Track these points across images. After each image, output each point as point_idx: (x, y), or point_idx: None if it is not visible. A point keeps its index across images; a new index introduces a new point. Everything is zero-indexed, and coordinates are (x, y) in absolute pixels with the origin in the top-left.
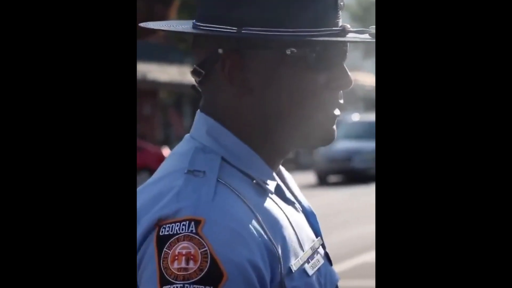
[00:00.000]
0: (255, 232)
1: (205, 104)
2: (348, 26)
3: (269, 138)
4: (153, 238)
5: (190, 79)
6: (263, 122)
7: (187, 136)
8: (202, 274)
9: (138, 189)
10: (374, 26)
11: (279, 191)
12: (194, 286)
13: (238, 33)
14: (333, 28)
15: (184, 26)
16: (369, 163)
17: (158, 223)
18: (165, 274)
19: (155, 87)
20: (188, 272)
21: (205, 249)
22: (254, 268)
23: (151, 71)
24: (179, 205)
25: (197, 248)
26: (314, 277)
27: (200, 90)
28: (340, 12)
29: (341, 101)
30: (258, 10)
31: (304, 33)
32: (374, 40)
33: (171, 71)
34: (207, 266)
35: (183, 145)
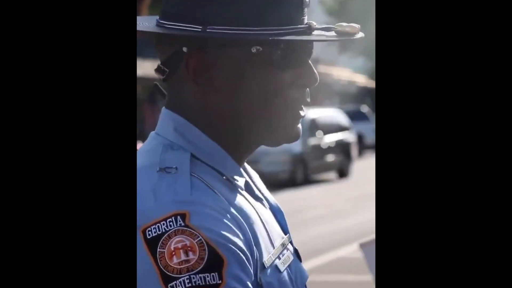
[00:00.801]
0: (235, 222)
1: (171, 101)
2: (314, 23)
3: (235, 135)
4: (141, 244)
5: None
6: (228, 120)
7: (152, 133)
8: (204, 262)
9: None
10: (340, 24)
11: (248, 188)
12: (200, 275)
13: (202, 32)
14: (299, 26)
15: (148, 23)
16: (276, 167)
17: (142, 228)
18: (166, 272)
19: None
20: (191, 263)
21: (199, 238)
22: (242, 252)
23: None
24: (158, 205)
25: (191, 239)
26: (285, 273)
27: (164, 88)
28: (306, 10)
29: (308, 100)
30: (222, 9)
31: (269, 32)
32: (339, 39)
33: (145, 66)
34: (206, 254)
35: (150, 142)
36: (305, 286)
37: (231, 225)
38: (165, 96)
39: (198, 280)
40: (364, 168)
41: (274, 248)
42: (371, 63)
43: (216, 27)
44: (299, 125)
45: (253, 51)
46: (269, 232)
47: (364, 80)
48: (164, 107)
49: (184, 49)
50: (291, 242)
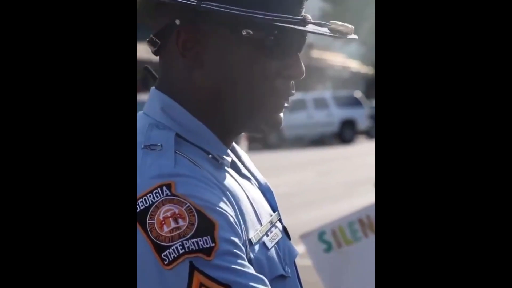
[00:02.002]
0: (222, 193)
1: (160, 80)
2: (309, 17)
3: (219, 115)
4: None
5: (157, 57)
6: (212, 98)
7: (140, 113)
8: (195, 227)
9: None
10: (334, 22)
11: (234, 166)
12: (192, 240)
13: (197, 6)
14: (295, 17)
15: None
16: None
17: None
18: (158, 242)
19: None
20: (182, 230)
21: (187, 205)
22: (232, 217)
23: None
24: (143, 179)
25: (179, 206)
26: (273, 250)
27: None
28: (304, 3)
29: (293, 91)
30: None
31: (263, 16)
32: (333, 35)
33: (138, 48)
34: (196, 219)
35: (137, 122)
36: (294, 263)
37: (218, 193)
38: (155, 79)
39: (191, 245)
40: (357, 154)
41: (261, 225)
42: (365, 49)
43: (212, 3)
44: (281, 115)
45: (243, 33)
46: (256, 210)
47: (357, 66)
48: (153, 87)
49: (177, 21)
50: (280, 220)
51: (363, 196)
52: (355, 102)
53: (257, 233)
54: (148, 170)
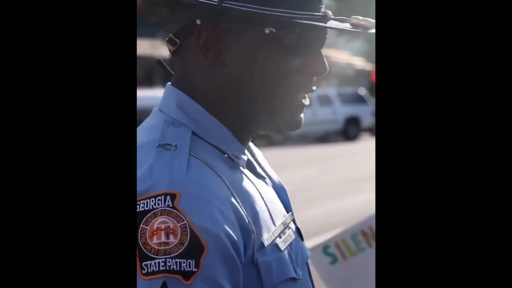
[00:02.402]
0: (229, 205)
1: (176, 77)
2: (330, 13)
3: (238, 114)
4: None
5: (161, 53)
6: (232, 97)
7: (155, 109)
8: (183, 247)
9: None
10: (356, 16)
11: (249, 166)
12: (176, 260)
13: (218, 5)
14: (315, 13)
15: None
16: None
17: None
18: (144, 249)
19: None
20: (169, 247)
21: (183, 222)
22: (230, 239)
23: None
24: (152, 180)
25: (175, 222)
26: (285, 252)
27: (173, 62)
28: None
29: (314, 88)
30: None
31: (285, 14)
32: (355, 30)
33: (142, 45)
34: (187, 240)
35: (152, 118)
36: (306, 264)
37: (224, 209)
38: (167, 73)
39: (173, 265)
40: (361, 151)
41: (275, 226)
42: (369, 46)
43: (233, 2)
44: (302, 115)
45: (266, 32)
46: (270, 211)
47: (361, 63)
48: (168, 83)
49: (198, 21)
50: (293, 221)
51: (367, 193)
52: (360, 100)
53: (270, 235)
54: (159, 172)
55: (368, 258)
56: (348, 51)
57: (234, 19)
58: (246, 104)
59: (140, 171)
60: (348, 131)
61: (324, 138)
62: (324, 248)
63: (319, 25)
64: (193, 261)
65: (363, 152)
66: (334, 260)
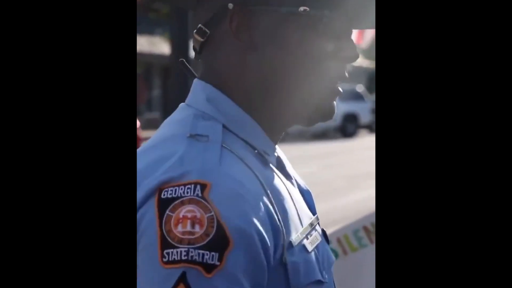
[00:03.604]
0: (261, 200)
1: (205, 71)
2: None
3: (269, 104)
4: (153, 202)
5: (160, 49)
6: (265, 84)
7: (182, 104)
8: (208, 239)
9: None
10: None
11: (279, 164)
12: (199, 251)
13: None
14: None
15: None
16: None
17: (160, 187)
18: (167, 237)
19: None
20: (194, 236)
21: (211, 214)
22: (260, 237)
23: None
24: (183, 169)
25: (203, 212)
26: (312, 254)
27: (199, 58)
28: None
29: (347, 75)
30: None
31: None
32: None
33: (140, 41)
34: (213, 232)
35: (180, 112)
36: (331, 269)
37: (254, 204)
38: (190, 73)
39: (195, 255)
40: (359, 148)
41: (302, 227)
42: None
43: None
44: (334, 102)
45: (300, 10)
46: (298, 211)
47: (359, 60)
48: (196, 78)
49: (230, 5)
50: (318, 223)
51: (366, 190)
52: (358, 96)
53: (298, 235)
54: (191, 162)
55: (369, 254)
56: None
57: (267, 0)
58: (279, 90)
59: (171, 160)
60: (346, 128)
61: (322, 135)
62: None
63: (356, 5)
64: (217, 254)
65: (362, 149)
66: (335, 255)
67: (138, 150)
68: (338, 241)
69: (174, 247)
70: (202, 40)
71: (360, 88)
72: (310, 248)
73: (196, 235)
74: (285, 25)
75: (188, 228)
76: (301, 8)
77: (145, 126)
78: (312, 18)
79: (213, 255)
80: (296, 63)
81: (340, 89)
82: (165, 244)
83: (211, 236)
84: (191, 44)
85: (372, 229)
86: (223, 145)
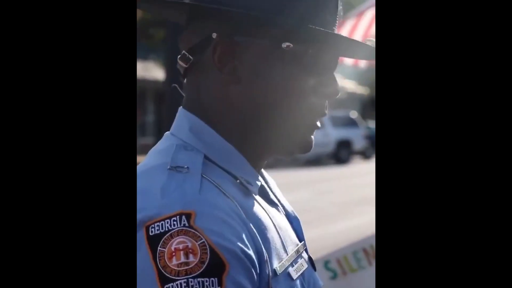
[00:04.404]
0: (244, 226)
1: (188, 100)
2: (343, 35)
3: (252, 136)
4: (143, 239)
5: (153, 75)
6: (246, 116)
7: (167, 133)
8: (204, 266)
9: None
10: (371, 39)
11: (262, 192)
12: (198, 279)
13: (245, 13)
14: (333, 32)
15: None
16: None
17: (146, 224)
18: (164, 272)
19: None
20: (190, 266)
21: (202, 241)
22: (250, 260)
23: None
24: (164, 202)
25: (194, 241)
26: (298, 282)
27: (183, 85)
28: (337, 20)
29: (326, 111)
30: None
31: (307, 27)
32: (373, 45)
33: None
34: (208, 258)
35: (163, 142)
36: None
37: (238, 229)
38: (180, 99)
39: (196, 285)
40: (353, 174)
41: (287, 255)
42: (360, 70)
43: (255, 12)
44: (312, 136)
45: (283, 46)
46: (282, 239)
47: (353, 86)
48: (181, 107)
49: (214, 35)
50: (306, 250)
51: (359, 216)
52: (351, 123)
53: (283, 263)
54: (172, 193)
55: (367, 276)
56: (339, 74)
57: (251, 32)
58: (261, 123)
59: (151, 194)
60: (340, 154)
61: (315, 161)
62: (325, 262)
63: (344, 37)
64: (216, 279)
65: (355, 175)
66: (334, 276)
67: None
68: (338, 262)
69: (173, 280)
70: (185, 66)
71: (353, 114)
72: (295, 275)
73: (192, 265)
74: (268, 59)
75: (183, 259)
76: (285, 44)
77: (138, 151)
78: (296, 53)
79: (212, 281)
80: (278, 98)
81: (318, 124)
82: (163, 280)
83: (206, 262)
84: None
85: (372, 251)
86: (203, 175)
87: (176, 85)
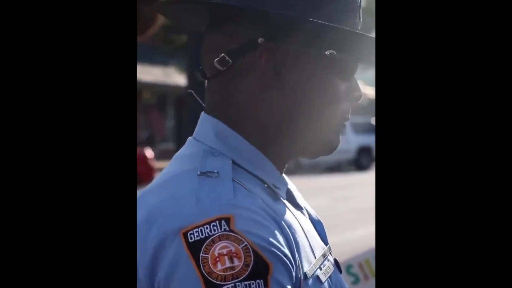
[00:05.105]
0: (279, 228)
1: (214, 102)
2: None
3: (281, 139)
4: (182, 246)
5: (174, 80)
6: (281, 119)
7: (190, 139)
8: (250, 269)
9: (143, 192)
10: None
11: (289, 196)
12: (245, 283)
13: (303, 19)
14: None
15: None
16: None
17: (183, 230)
18: (210, 279)
19: (138, 87)
20: (236, 270)
21: (244, 244)
22: (288, 258)
23: None
24: (200, 207)
25: (236, 244)
26: (326, 284)
27: (209, 89)
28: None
29: (349, 115)
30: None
31: (348, 33)
32: None
33: (155, 72)
34: (252, 261)
35: (188, 148)
36: None
37: (275, 230)
38: (198, 104)
39: None
40: (373, 181)
41: (315, 258)
42: None
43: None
44: (340, 136)
45: (326, 53)
46: (310, 242)
47: (374, 93)
48: (203, 112)
49: (260, 40)
50: (331, 253)
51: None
52: (372, 129)
53: (312, 266)
54: (206, 199)
55: None
56: (361, 80)
57: (297, 39)
58: (294, 126)
59: (183, 200)
60: (360, 160)
61: (336, 167)
62: (347, 267)
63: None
64: (262, 280)
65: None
66: (356, 280)
67: (149, 185)
68: (360, 266)
69: (220, 286)
70: (221, 69)
71: (374, 120)
72: (323, 278)
73: (237, 269)
74: (312, 65)
75: (227, 264)
76: (328, 52)
77: (159, 157)
78: (336, 60)
79: (258, 283)
80: (318, 102)
81: (345, 126)
82: (210, 286)
83: (251, 265)
84: None
85: None
86: (234, 179)
87: (192, 91)
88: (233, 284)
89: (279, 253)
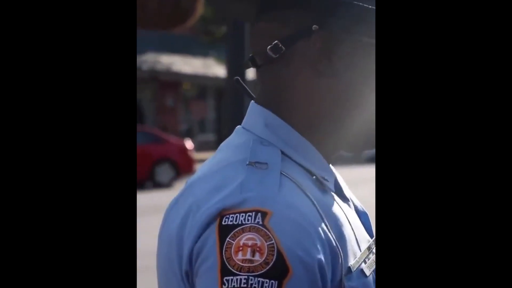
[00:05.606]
0: (320, 228)
1: (264, 91)
2: None
3: (331, 130)
4: (214, 228)
5: (214, 71)
6: (331, 109)
7: (239, 128)
8: (268, 267)
9: (189, 180)
10: None
11: (337, 188)
12: (259, 279)
13: (354, 4)
14: None
15: None
16: None
17: (221, 213)
18: (227, 264)
19: (178, 79)
20: (254, 264)
21: (271, 242)
22: (319, 266)
23: (174, 62)
24: (243, 196)
25: (263, 240)
26: (370, 278)
27: (260, 77)
28: None
29: None
30: None
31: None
32: None
33: (195, 63)
34: (273, 260)
35: (237, 137)
36: None
37: (314, 236)
38: (247, 93)
39: (255, 283)
40: None
41: (360, 251)
42: None
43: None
44: None
45: (372, 41)
46: (356, 235)
47: None
48: (252, 101)
49: (315, 27)
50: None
51: None
52: None
53: (356, 260)
54: (251, 189)
55: None
56: None
57: (350, 27)
58: (343, 116)
59: (231, 187)
60: None
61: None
62: None
63: None
64: (276, 282)
65: None
66: None
67: (197, 174)
68: None
69: (234, 274)
70: (274, 56)
71: None
72: (368, 272)
73: (256, 263)
74: (363, 54)
75: (248, 256)
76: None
77: (198, 148)
78: (373, 47)
79: (272, 283)
80: (367, 91)
81: None
82: (225, 271)
83: (270, 264)
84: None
85: None
86: (282, 172)
87: (238, 77)
88: (246, 277)
89: (307, 261)
